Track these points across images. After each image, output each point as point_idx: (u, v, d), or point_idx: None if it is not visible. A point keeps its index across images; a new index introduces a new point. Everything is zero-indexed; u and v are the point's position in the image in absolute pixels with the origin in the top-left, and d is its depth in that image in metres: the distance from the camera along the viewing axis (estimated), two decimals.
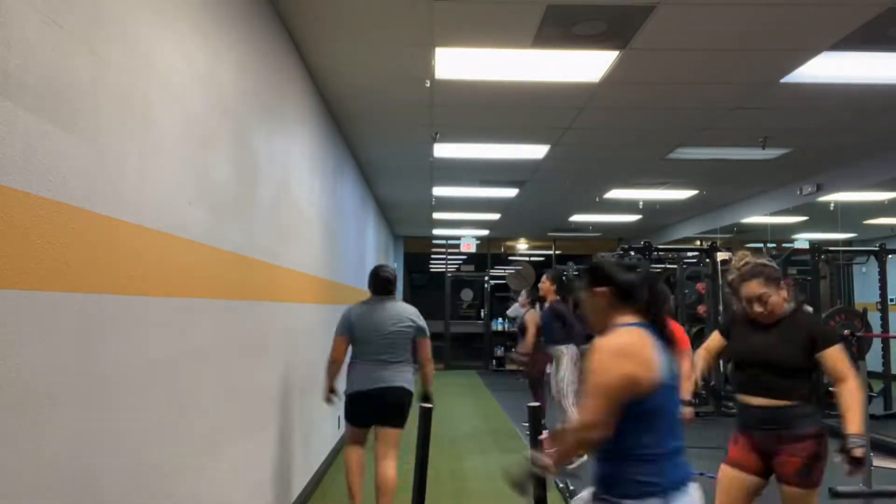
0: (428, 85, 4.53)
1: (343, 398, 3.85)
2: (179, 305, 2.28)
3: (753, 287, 2.73)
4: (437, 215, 10.93)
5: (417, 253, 17.03)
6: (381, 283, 3.94)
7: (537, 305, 7.16)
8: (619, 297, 1.88)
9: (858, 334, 6.74)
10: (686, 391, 3.34)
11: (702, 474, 5.24)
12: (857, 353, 6.88)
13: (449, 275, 14.72)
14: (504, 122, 5.51)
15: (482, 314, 14.96)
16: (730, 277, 2.88)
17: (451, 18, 3.55)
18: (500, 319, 14.39)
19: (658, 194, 8.72)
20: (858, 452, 2.62)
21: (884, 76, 4.39)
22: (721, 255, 8.48)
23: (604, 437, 1.75)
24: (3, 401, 1.39)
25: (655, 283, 1.96)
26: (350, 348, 3.88)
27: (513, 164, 7.13)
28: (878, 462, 4.92)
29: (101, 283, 1.76)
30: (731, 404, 8.26)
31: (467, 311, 17.72)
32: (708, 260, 8.44)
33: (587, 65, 4.20)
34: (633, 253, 8.71)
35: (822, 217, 8.94)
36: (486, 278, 14.46)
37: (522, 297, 8.15)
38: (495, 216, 10.99)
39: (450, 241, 14.35)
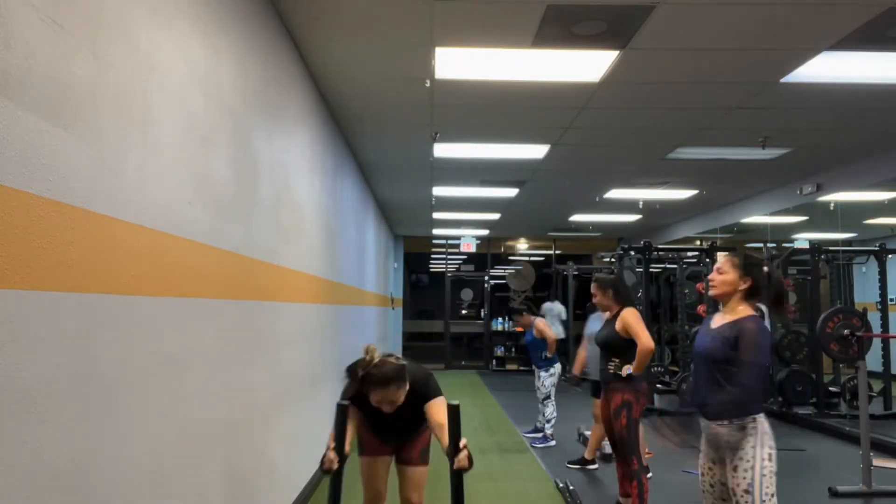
0: (428, 85, 4.53)
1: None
2: (179, 305, 2.28)
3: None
4: (437, 215, 10.93)
5: (417, 253, 17.03)
6: None
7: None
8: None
9: (858, 334, 6.74)
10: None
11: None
12: (857, 353, 6.89)
13: (449, 275, 14.71)
14: (504, 122, 5.51)
15: (482, 314, 14.97)
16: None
17: (451, 18, 3.55)
18: (499, 319, 14.39)
19: (658, 194, 8.72)
20: None
21: (884, 76, 4.39)
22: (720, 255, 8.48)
23: None
24: (3, 401, 1.39)
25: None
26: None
27: (513, 164, 7.13)
28: (878, 462, 4.92)
29: (101, 283, 1.76)
30: None
31: (467, 310, 17.73)
32: (708, 260, 8.44)
33: (587, 65, 4.20)
34: (632, 253, 8.73)
35: (822, 217, 8.94)
36: (486, 278, 14.46)
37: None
38: (495, 216, 11.00)
39: (450, 241, 14.35)
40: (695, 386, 2.83)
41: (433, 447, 2.91)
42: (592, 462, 5.49)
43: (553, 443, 6.34)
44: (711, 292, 2.79)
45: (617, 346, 4.04)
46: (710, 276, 2.82)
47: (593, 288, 4.30)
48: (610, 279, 4.33)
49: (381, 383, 2.57)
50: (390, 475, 3.02)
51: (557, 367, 6.44)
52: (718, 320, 2.76)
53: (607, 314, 4.35)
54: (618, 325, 4.06)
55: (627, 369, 3.97)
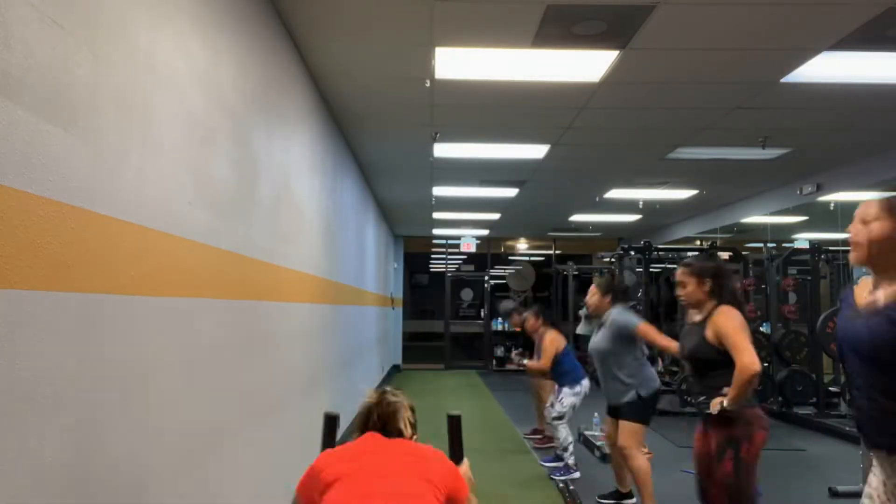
0: (428, 85, 4.53)
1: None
2: (179, 305, 2.28)
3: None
4: (437, 215, 10.93)
5: (417, 253, 17.04)
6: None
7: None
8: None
9: None
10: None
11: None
12: None
13: (449, 275, 14.72)
14: (504, 122, 5.51)
15: (482, 314, 14.97)
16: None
17: (451, 18, 3.55)
18: (499, 319, 14.40)
19: (658, 194, 8.72)
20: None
21: (884, 76, 4.39)
22: (721, 256, 8.49)
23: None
24: (3, 400, 1.39)
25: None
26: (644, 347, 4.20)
27: (513, 164, 7.13)
28: None
29: (101, 283, 1.76)
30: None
31: (467, 310, 17.75)
32: None
33: (587, 65, 4.20)
34: (632, 253, 8.73)
35: (822, 217, 8.94)
36: (486, 278, 14.47)
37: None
38: (495, 216, 11.00)
39: (450, 241, 14.36)
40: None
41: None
42: (630, 495, 4.41)
43: (577, 474, 5.20)
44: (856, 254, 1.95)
45: (710, 362, 2.90)
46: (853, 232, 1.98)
47: (680, 275, 3.09)
48: (710, 266, 3.08)
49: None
50: None
51: (585, 385, 5.41)
52: (870, 296, 1.93)
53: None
54: (708, 332, 2.91)
55: (718, 404, 2.79)
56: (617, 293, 4.30)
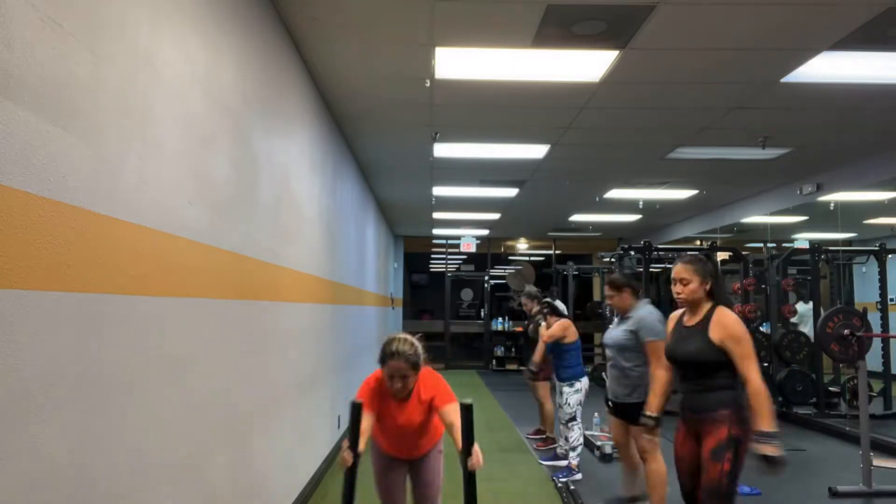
0: (428, 85, 4.53)
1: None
2: (179, 305, 2.28)
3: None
4: (437, 215, 10.93)
5: (417, 253, 17.03)
6: None
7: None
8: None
9: (858, 334, 6.75)
10: None
11: None
12: (857, 353, 6.89)
13: (449, 275, 14.72)
14: (504, 122, 5.51)
15: (482, 314, 14.97)
16: None
17: (451, 18, 3.55)
18: (499, 319, 14.40)
19: (658, 194, 8.72)
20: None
21: (884, 76, 4.39)
22: (721, 255, 8.49)
23: None
24: (3, 400, 1.39)
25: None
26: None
27: (513, 164, 7.13)
28: (878, 462, 4.92)
29: (101, 283, 1.76)
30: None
31: (467, 310, 17.74)
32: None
33: (587, 65, 4.20)
34: (632, 253, 8.72)
35: (822, 217, 8.94)
36: (486, 278, 14.46)
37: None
38: (495, 216, 10.99)
39: (450, 241, 14.35)
40: None
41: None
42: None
43: (579, 476, 5.14)
44: None
45: (712, 364, 2.88)
46: None
47: (682, 272, 3.01)
48: (711, 266, 3.05)
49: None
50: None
51: (584, 383, 5.32)
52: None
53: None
54: (714, 334, 2.87)
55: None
56: (636, 287, 4.00)
